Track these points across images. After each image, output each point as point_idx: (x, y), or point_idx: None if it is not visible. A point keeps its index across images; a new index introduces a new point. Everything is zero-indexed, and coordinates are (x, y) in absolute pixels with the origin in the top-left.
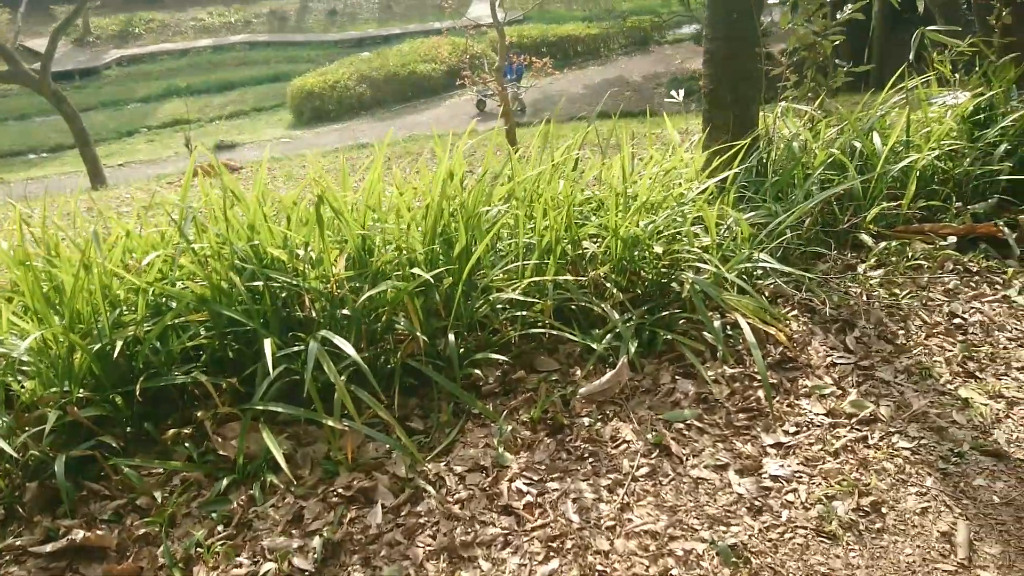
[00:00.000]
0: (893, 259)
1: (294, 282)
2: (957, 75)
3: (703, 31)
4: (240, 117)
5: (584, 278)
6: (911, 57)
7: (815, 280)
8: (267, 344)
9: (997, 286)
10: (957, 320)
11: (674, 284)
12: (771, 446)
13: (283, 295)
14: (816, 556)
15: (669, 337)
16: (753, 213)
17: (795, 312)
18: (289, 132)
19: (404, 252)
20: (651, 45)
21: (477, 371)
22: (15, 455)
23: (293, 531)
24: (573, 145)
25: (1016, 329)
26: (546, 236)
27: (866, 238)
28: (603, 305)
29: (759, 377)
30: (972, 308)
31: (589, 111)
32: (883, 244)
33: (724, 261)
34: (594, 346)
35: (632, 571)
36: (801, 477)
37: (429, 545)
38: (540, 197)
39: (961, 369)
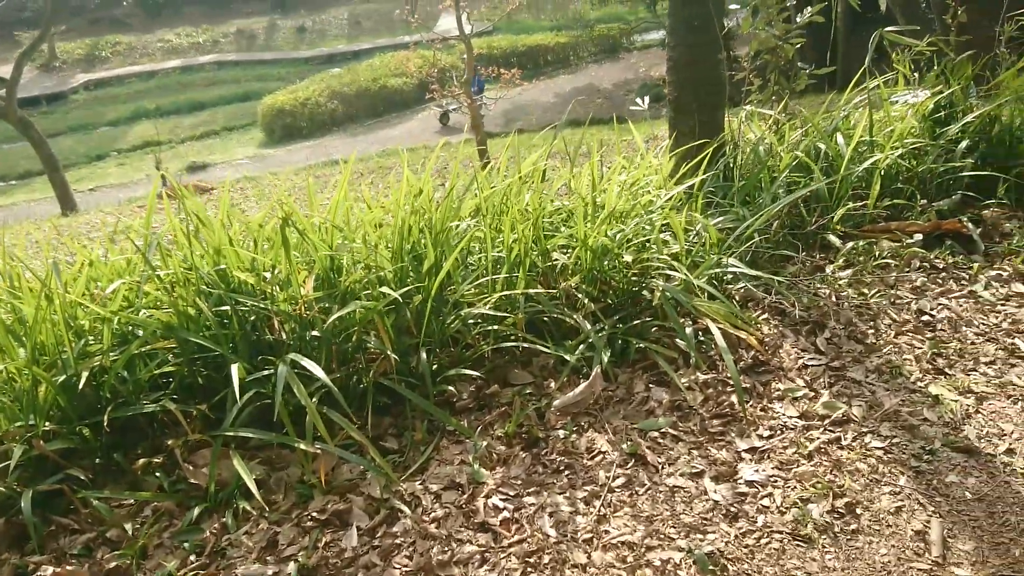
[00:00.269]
0: (861, 259)
1: (262, 305)
2: (917, 74)
3: (665, 38)
4: (211, 137)
5: (555, 289)
6: (870, 57)
7: (784, 283)
8: (235, 370)
9: (963, 282)
10: (925, 317)
11: (645, 292)
12: (746, 451)
13: (252, 319)
14: (792, 560)
15: (642, 345)
16: (721, 218)
17: (766, 315)
18: (261, 151)
19: (373, 271)
20: (620, 52)
21: (450, 387)
22: None
23: (268, 558)
24: (540, 157)
25: (983, 324)
26: (515, 249)
27: (834, 239)
28: (575, 316)
29: (732, 382)
30: (940, 305)
31: (560, 119)
32: (850, 244)
33: (694, 267)
34: (567, 357)
35: None
36: (776, 481)
37: (406, 566)
38: (508, 211)
39: (931, 366)
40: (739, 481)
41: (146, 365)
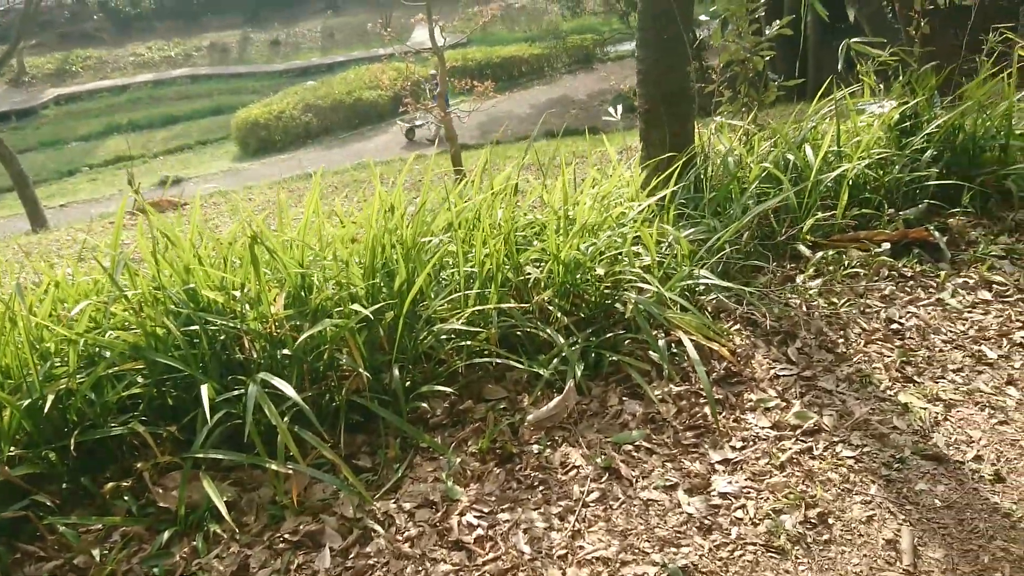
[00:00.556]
0: (830, 268)
1: (232, 324)
2: (882, 85)
3: (634, 51)
4: (185, 151)
5: (528, 304)
6: (840, 68)
7: (755, 293)
8: (204, 390)
9: (931, 290)
10: (894, 326)
11: (618, 305)
12: (719, 463)
13: (221, 338)
14: (766, 572)
15: (615, 358)
16: (692, 230)
17: (738, 326)
18: (235, 164)
19: (344, 287)
20: (594, 63)
21: (424, 404)
22: None
23: None
24: (512, 172)
25: (950, 331)
26: (487, 264)
27: (803, 249)
28: (548, 330)
29: (705, 394)
30: (908, 313)
31: (535, 131)
32: (820, 254)
33: (666, 279)
34: (541, 371)
35: None
36: (749, 493)
37: None
38: (479, 225)
39: (900, 374)
40: (713, 493)
41: (114, 387)
